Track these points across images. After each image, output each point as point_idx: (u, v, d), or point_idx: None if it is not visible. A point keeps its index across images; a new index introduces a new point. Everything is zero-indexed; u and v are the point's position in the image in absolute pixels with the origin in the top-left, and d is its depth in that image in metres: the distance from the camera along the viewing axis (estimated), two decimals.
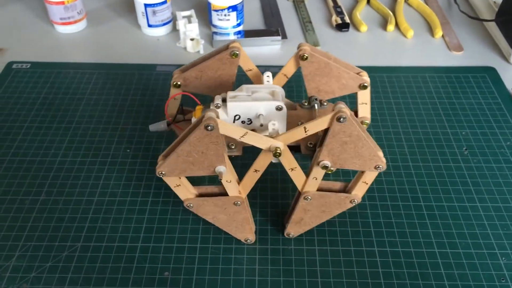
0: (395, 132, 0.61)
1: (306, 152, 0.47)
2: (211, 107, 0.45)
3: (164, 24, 0.78)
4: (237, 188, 0.44)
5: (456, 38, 0.78)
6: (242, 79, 0.70)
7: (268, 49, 0.76)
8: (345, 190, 0.46)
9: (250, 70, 0.50)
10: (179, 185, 0.44)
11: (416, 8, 0.85)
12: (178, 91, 0.51)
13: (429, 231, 0.50)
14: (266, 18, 0.83)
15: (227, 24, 0.76)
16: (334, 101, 0.63)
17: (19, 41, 0.77)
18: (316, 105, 0.49)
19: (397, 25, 0.81)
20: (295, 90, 0.67)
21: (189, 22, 0.75)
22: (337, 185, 0.46)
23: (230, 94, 0.45)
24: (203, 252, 0.48)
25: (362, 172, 0.44)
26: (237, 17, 0.76)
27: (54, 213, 0.51)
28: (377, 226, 0.50)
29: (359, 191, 0.45)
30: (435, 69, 0.71)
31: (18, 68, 0.71)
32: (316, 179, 0.44)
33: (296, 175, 0.45)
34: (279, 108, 0.45)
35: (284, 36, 0.78)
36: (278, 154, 0.41)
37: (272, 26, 0.80)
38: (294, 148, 0.47)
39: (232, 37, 0.77)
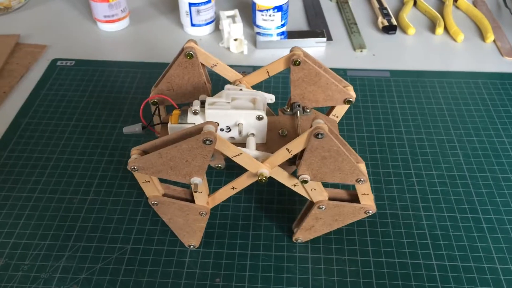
0: (449, 140, 0.59)
1: (285, 163, 0.45)
2: (188, 114, 0.44)
3: (207, 24, 0.77)
4: (206, 199, 0.43)
5: (509, 43, 0.75)
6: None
7: (312, 51, 0.74)
8: (357, 199, 0.44)
9: (215, 65, 0.48)
10: (148, 181, 0.43)
11: (465, 11, 0.82)
12: (161, 109, 0.50)
13: (489, 245, 0.48)
14: (310, 19, 0.81)
15: (271, 24, 0.75)
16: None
17: (63, 38, 0.77)
18: (298, 111, 0.47)
19: (445, 29, 0.78)
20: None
21: (233, 22, 0.74)
22: (348, 193, 0.45)
23: (209, 100, 0.44)
24: (254, 259, 0.47)
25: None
26: (281, 17, 0.74)
27: (103, 214, 0.51)
28: (434, 239, 0.48)
29: (367, 201, 0.44)
30: (487, 75, 0.69)
31: (62, 66, 0.71)
32: (315, 190, 0.43)
33: (302, 190, 0.43)
34: (259, 118, 0.43)
35: (329, 38, 0.76)
36: (263, 180, 0.41)
37: (316, 27, 0.79)
38: None
39: (275, 38, 0.76)
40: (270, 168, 0.41)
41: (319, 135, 0.38)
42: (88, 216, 0.51)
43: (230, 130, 0.44)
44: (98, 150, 0.58)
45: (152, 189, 0.43)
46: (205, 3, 0.74)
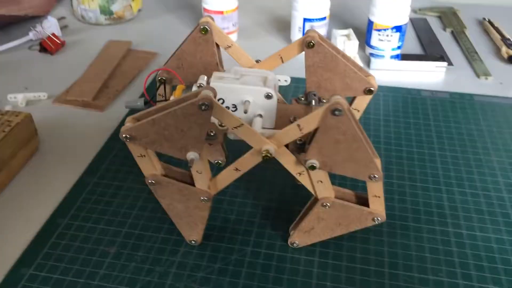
0: None
1: (294, 150, 0.39)
2: (193, 88, 0.40)
3: None
4: (206, 183, 0.39)
5: None
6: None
7: (431, 75, 0.70)
8: (366, 203, 0.39)
9: (229, 46, 0.45)
10: (144, 156, 0.38)
11: None
12: (167, 86, 0.46)
13: None
14: (425, 45, 0.77)
15: (387, 45, 0.71)
16: None
17: (172, 48, 0.77)
18: (313, 101, 0.42)
19: None
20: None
21: (348, 39, 0.71)
22: (357, 195, 0.40)
23: (216, 74, 0.41)
24: (383, 277, 0.41)
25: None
26: (399, 38, 0.71)
27: (219, 213, 0.47)
28: None
29: (377, 206, 0.38)
30: None
31: None
32: (321, 182, 0.38)
33: (307, 180, 0.38)
34: (269, 96, 0.39)
35: (450, 63, 0.72)
36: (267, 158, 0.36)
37: (433, 53, 0.74)
38: None
39: (388, 60, 0.72)
40: (276, 145, 0.36)
41: (337, 111, 0.33)
42: None
43: (236, 109, 0.40)
44: None
45: (149, 166, 0.39)
46: (320, 19, 0.72)
